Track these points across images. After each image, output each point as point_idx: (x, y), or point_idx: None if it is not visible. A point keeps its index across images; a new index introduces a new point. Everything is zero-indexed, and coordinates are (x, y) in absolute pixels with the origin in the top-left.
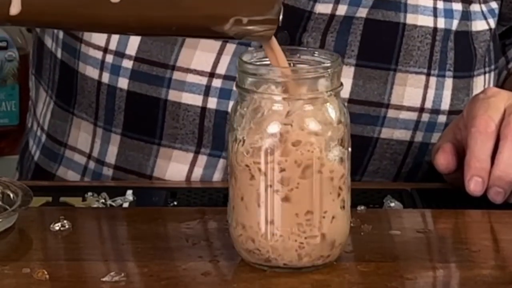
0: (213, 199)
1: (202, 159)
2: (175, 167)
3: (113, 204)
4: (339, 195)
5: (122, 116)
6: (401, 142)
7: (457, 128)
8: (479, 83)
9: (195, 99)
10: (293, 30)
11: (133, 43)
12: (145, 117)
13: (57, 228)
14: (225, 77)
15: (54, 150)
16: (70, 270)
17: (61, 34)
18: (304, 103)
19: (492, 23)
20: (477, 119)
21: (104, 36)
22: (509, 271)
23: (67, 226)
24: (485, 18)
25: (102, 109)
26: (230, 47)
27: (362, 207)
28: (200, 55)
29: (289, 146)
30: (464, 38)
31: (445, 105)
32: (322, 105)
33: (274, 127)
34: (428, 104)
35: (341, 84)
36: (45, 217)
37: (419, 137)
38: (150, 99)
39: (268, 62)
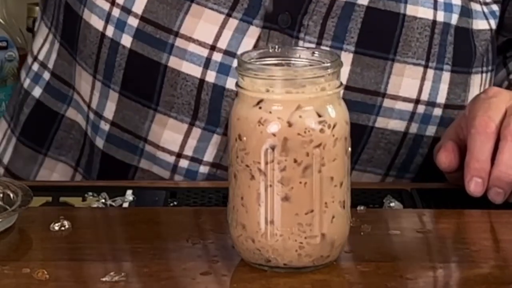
0: (213, 199)
1: (197, 132)
2: (170, 135)
3: (113, 204)
4: (339, 195)
5: (121, 74)
6: (395, 133)
7: (459, 127)
8: (476, 81)
9: (194, 70)
10: (295, 12)
11: (141, 0)
12: (144, 80)
13: (57, 228)
14: (226, 52)
15: (62, 90)
16: (70, 270)
17: None
18: (304, 103)
19: (493, 24)
20: (476, 120)
21: None
22: (509, 271)
23: (67, 226)
24: (486, 18)
25: (102, 63)
26: (233, 22)
27: (362, 207)
28: (203, 25)
29: (289, 146)
30: (464, 34)
31: (441, 98)
32: (322, 105)
33: (274, 127)
34: (424, 96)
35: (341, 84)
36: (45, 217)
37: (414, 128)
38: (151, 62)
39: (268, 62)
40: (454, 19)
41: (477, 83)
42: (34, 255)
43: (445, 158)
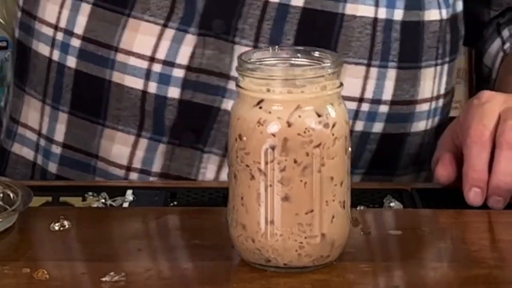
0: (213, 199)
1: (144, 143)
2: (118, 149)
3: (113, 204)
4: (339, 194)
5: (69, 95)
6: None
7: (454, 133)
8: (428, 74)
9: (136, 82)
10: (228, 16)
11: (81, 21)
12: (91, 97)
13: (57, 228)
14: (165, 62)
15: (9, 127)
16: (70, 270)
17: (19, 13)
18: (304, 103)
19: (445, 14)
20: (471, 129)
21: (55, 13)
22: (509, 271)
23: (67, 226)
24: (439, 8)
25: (50, 86)
26: (170, 32)
27: (362, 207)
28: (141, 39)
29: (289, 146)
30: (412, 28)
31: (387, 95)
32: (322, 104)
33: (274, 127)
34: (368, 94)
35: (341, 84)
36: (45, 217)
37: (359, 126)
38: (96, 79)
39: (268, 62)
40: (398, 14)
41: (429, 76)
42: (34, 255)
43: (443, 171)
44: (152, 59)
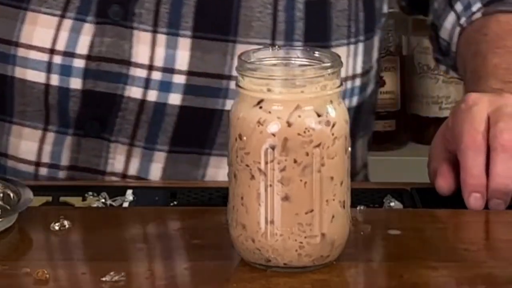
0: (213, 199)
1: (51, 137)
2: (26, 145)
3: (113, 204)
4: (339, 194)
5: None
6: None
7: (445, 139)
8: (340, 53)
9: (38, 76)
10: (125, 2)
11: None
12: None
13: (57, 228)
14: (65, 54)
15: None
16: (70, 270)
17: None
18: (304, 102)
19: None
20: (464, 135)
21: None
22: (509, 271)
23: (67, 226)
24: None
25: None
26: (67, 23)
27: (362, 207)
28: (40, 31)
29: (289, 146)
30: (317, 7)
31: None
32: (322, 104)
33: (274, 127)
34: None
35: (341, 84)
36: (45, 217)
37: None
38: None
39: (268, 62)
40: None
41: (341, 55)
42: (34, 255)
43: (444, 183)
44: (52, 51)
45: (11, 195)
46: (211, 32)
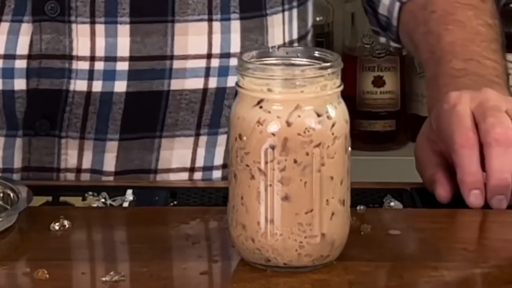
0: (213, 199)
1: (1, 141)
2: None
3: (113, 203)
4: (339, 193)
5: None
6: (194, 91)
7: (430, 142)
8: (276, 21)
9: None
10: None
11: None
12: None
13: (57, 228)
14: (5, 57)
15: None
16: (70, 270)
17: None
18: (304, 102)
19: None
20: (455, 135)
21: None
22: (509, 271)
23: (67, 226)
24: None
25: None
26: (5, 25)
27: (362, 207)
28: None
29: (289, 146)
30: None
31: (235, 47)
32: (321, 104)
33: (274, 127)
34: (216, 50)
35: (341, 84)
36: (45, 217)
37: (213, 83)
38: None
39: (268, 62)
40: None
41: (277, 23)
42: (34, 255)
43: (444, 191)
44: None
45: (11, 195)
46: (149, 15)
